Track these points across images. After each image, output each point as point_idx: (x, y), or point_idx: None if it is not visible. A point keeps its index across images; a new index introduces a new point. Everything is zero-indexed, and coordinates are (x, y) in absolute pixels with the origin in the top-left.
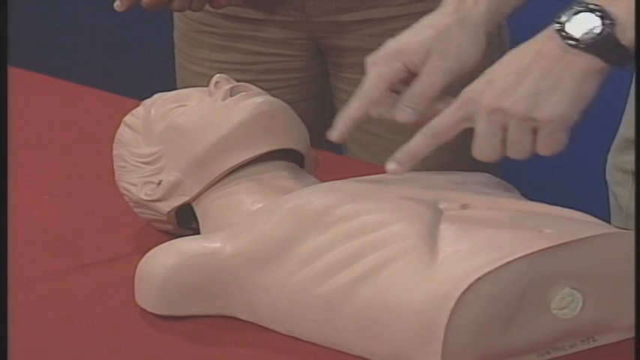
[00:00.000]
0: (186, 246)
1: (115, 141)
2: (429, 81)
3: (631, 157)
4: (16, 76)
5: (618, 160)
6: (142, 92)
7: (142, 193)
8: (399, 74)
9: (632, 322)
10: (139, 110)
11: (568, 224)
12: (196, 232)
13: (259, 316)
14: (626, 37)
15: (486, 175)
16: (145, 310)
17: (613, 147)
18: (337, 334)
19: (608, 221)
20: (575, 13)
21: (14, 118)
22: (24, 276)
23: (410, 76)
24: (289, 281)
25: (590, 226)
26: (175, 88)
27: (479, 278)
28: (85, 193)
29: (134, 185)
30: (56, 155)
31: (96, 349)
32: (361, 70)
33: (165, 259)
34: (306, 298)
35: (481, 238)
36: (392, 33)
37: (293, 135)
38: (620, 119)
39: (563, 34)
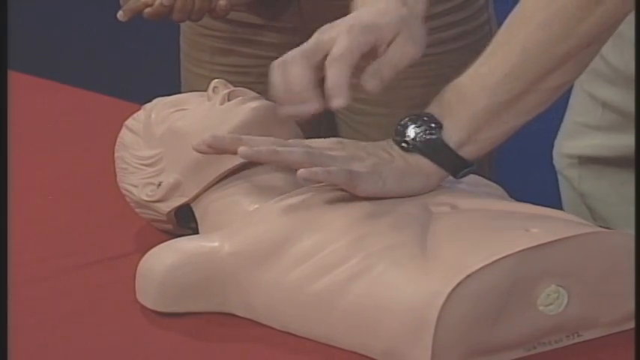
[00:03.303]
0: (185, 245)
1: (117, 144)
2: (399, 57)
3: (575, 143)
4: (20, 80)
5: (564, 145)
6: (143, 96)
7: (143, 194)
8: (368, 47)
9: (615, 318)
10: (140, 114)
11: (553, 223)
12: (195, 231)
13: (256, 312)
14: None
15: (474, 176)
16: (145, 308)
17: (561, 133)
18: (331, 331)
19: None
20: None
21: (20, 122)
22: (27, 274)
23: (370, 53)
24: (284, 279)
25: (575, 226)
26: (177, 91)
27: (468, 276)
28: (87, 194)
29: (135, 186)
30: (60, 157)
31: (97, 345)
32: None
33: (165, 257)
34: (300, 295)
35: (470, 238)
36: None
37: (289, 137)
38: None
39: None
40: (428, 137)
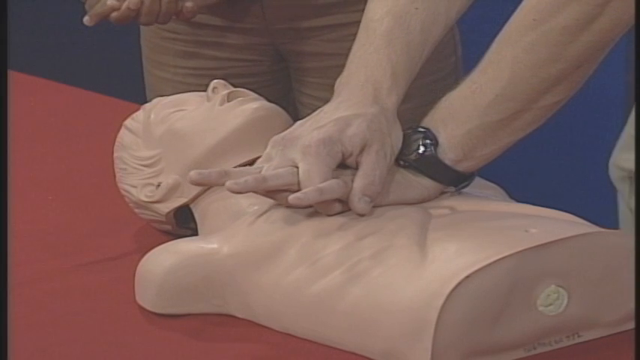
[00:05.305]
0: (184, 247)
1: (116, 144)
2: (379, 170)
3: (628, 156)
4: (20, 80)
5: (617, 158)
6: (143, 96)
7: (142, 194)
8: (336, 163)
9: (614, 318)
10: (139, 114)
11: (553, 224)
12: (195, 231)
13: (255, 314)
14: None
15: (474, 177)
16: (144, 309)
17: (618, 144)
18: (330, 332)
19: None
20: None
21: (20, 122)
22: (26, 275)
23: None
24: (283, 281)
25: (574, 226)
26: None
27: (467, 276)
28: (86, 195)
29: (134, 187)
30: (59, 158)
31: (96, 346)
32: (322, 74)
33: (164, 259)
34: (299, 296)
35: (469, 238)
36: (350, 38)
37: None
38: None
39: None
40: (424, 155)
